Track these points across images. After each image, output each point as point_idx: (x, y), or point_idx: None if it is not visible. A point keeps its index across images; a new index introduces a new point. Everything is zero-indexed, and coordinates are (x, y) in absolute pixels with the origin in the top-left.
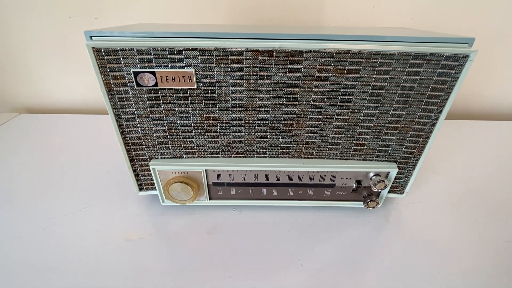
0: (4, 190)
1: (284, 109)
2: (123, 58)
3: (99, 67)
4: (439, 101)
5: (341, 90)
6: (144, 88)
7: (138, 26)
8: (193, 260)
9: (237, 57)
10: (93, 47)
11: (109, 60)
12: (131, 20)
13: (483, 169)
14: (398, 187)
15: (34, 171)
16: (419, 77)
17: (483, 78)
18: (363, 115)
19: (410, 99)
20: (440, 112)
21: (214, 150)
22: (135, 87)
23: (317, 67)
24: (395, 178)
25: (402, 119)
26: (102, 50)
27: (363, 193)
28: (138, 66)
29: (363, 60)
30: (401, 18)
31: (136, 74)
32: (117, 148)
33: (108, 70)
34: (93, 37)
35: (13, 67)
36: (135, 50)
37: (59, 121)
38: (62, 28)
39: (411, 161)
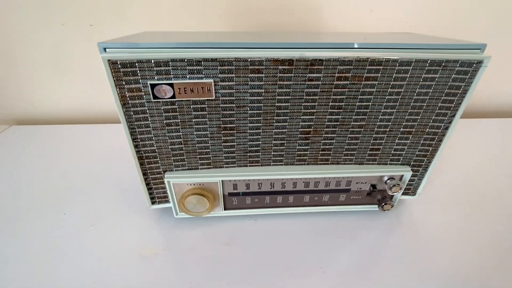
0: (1, 209)
1: (302, 117)
2: (140, 70)
3: (114, 80)
4: (453, 105)
5: (359, 97)
6: (161, 100)
7: (149, 36)
8: (213, 272)
9: (257, 67)
10: (108, 60)
11: (125, 73)
12: (127, 26)
13: (491, 167)
14: (410, 188)
15: (33, 187)
16: (434, 83)
17: (492, 76)
18: (379, 120)
19: (425, 104)
20: (454, 116)
21: (230, 160)
22: (152, 100)
23: (336, 75)
24: (408, 181)
25: (416, 123)
26: (118, 62)
27: (377, 196)
28: (156, 78)
29: (381, 67)
30: (398, 23)
31: (153, 86)
32: (120, 159)
33: (123, 83)
34: (107, 49)
35: (2, 77)
36: (152, 61)
37: (53, 132)
38: (55, 36)
39: (424, 163)
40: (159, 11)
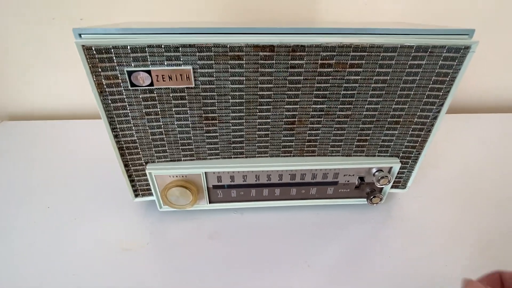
0: None
1: (285, 106)
2: (115, 56)
3: (90, 67)
4: (441, 93)
5: (344, 85)
6: (139, 88)
7: (130, 23)
8: (196, 267)
9: (237, 53)
10: (83, 45)
11: (100, 59)
12: (118, 20)
13: (482, 162)
14: (400, 181)
15: (20, 181)
16: (421, 70)
17: (482, 71)
18: (366, 110)
19: (412, 92)
20: (442, 105)
21: (213, 151)
22: (129, 87)
23: (319, 62)
24: (397, 173)
25: (404, 113)
26: (93, 48)
27: (366, 189)
28: (132, 64)
29: (366, 53)
30: (392, 15)
31: (130, 73)
32: (108, 153)
33: (100, 70)
34: (82, 35)
35: None
36: (129, 47)
37: (45, 127)
38: (46, 30)
39: (413, 155)
40: (152, 6)
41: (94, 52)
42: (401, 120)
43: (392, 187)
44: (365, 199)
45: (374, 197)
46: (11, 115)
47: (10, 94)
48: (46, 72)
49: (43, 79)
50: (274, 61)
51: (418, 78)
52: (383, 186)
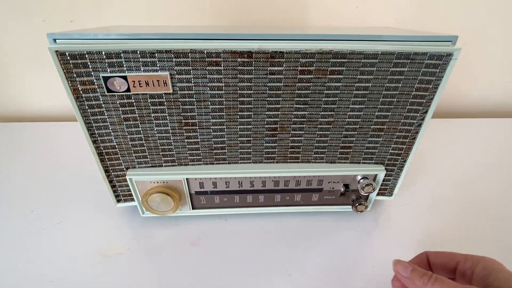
0: None
1: (266, 112)
2: (90, 62)
3: (64, 72)
4: (425, 101)
5: (325, 92)
6: (115, 93)
7: (109, 29)
8: (176, 274)
9: (215, 59)
10: (56, 51)
11: (75, 65)
12: (109, 23)
13: (470, 167)
14: (386, 189)
15: (5, 184)
16: (403, 77)
17: (467, 76)
18: (348, 117)
19: (395, 99)
20: (426, 112)
21: (195, 157)
22: (106, 93)
23: (299, 68)
24: (383, 180)
25: (388, 120)
26: (66, 53)
27: (352, 196)
28: (108, 70)
29: (346, 60)
30: (385, 18)
31: (106, 79)
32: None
33: (75, 75)
34: (57, 40)
35: None
36: (103, 53)
37: (34, 129)
38: (36, 32)
39: (398, 162)
40: (141, 7)
41: (68, 57)
42: (385, 127)
43: (378, 194)
44: (351, 207)
45: (359, 204)
46: (2, 116)
47: (1, 95)
48: (37, 73)
49: (34, 80)
50: (253, 67)
51: (400, 85)
52: (368, 193)
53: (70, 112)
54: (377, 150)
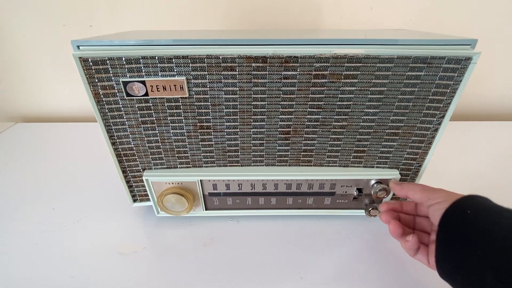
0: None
1: (280, 116)
2: (111, 67)
3: (87, 78)
4: (442, 105)
5: (339, 96)
6: (134, 98)
7: (127, 34)
8: (189, 273)
9: (230, 64)
10: (80, 57)
11: (97, 70)
12: (126, 27)
13: (487, 172)
14: None
15: (29, 182)
16: (420, 81)
17: (484, 78)
18: (363, 121)
19: (411, 104)
20: (443, 116)
21: (209, 159)
22: (125, 97)
23: (313, 73)
24: None
25: (403, 124)
26: (89, 60)
27: (365, 200)
28: (127, 75)
29: (361, 64)
30: (400, 19)
31: (125, 83)
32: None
33: (96, 80)
34: (80, 47)
35: (9, 76)
36: (123, 59)
37: (55, 130)
38: (57, 37)
39: (413, 167)
40: (158, 11)
41: (91, 63)
42: (400, 131)
43: (392, 198)
44: (364, 211)
45: (373, 209)
46: (25, 117)
47: (24, 97)
48: (58, 76)
49: (56, 82)
50: (267, 72)
51: (417, 89)
52: (382, 198)
53: (89, 113)
54: (391, 155)
